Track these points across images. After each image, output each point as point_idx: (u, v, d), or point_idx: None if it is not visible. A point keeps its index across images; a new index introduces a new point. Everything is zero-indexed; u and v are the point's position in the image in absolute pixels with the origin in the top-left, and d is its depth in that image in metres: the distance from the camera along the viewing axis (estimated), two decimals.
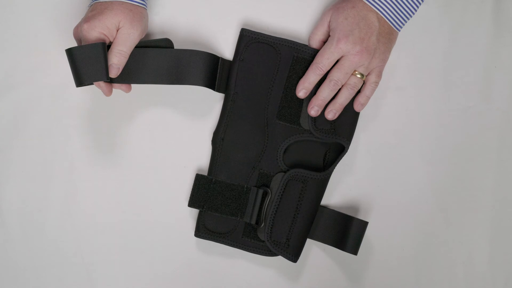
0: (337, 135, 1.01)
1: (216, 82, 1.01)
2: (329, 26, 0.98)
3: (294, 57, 1.01)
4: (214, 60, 1.01)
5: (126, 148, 1.05)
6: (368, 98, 1.00)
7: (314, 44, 1.00)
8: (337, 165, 1.03)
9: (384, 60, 0.98)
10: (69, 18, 1.02)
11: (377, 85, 0.99)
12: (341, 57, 0.96)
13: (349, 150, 1.04)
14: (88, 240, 1.06)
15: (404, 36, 1.04)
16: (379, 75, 0.99)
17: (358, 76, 0.97)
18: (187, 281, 1.06)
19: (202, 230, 1.03)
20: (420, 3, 0.97)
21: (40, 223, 1.05)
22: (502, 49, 1.07)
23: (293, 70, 1.01)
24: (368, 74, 0.99)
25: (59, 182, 1.05)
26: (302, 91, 0.99)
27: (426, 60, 1.06)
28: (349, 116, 1.02)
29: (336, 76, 0.97)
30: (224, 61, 1.02)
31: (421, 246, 1.07)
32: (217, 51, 1.04)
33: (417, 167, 1.07)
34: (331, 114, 0.99)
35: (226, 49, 1.05)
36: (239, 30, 1.04)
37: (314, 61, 0.98)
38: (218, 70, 1.01)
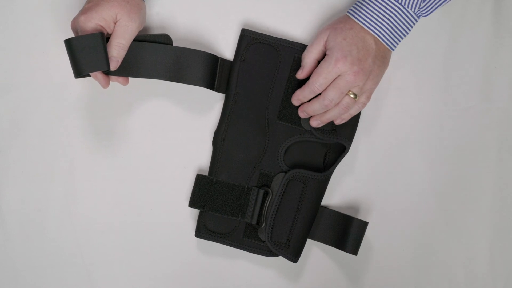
0: (338, 135, 1.01)
1: (216, 82, 1.01)
2: (325, 46, 0.97)
3: (295, 57, 1.01)
4: (213, 60, 1.00)
5: (127, 148, 1.05)
6: (351, 116, 0.99)
7: (309, 62, 0.98)
8: (338, 165, 1.03)
9: (376, 83, 0.97)
10: (69, 18, 1.01)
11: (364, 106, 0.98)
12: (337, 76, 0.95)
13: (349, 151, 1.03)
14: (88, 240, 1.05)
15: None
16: (369, 97, 0.98)
17: (352, 96, 0.96)
18: (187, 281, 1.06)
19: (203, 230, 1.03)
20: (414, 23, 0.96)
21: (40, 223, 1.05)
22: (502, 49, 1.07)
23: (294, 70, 1.01)
24: None
25: (59, 182, 1.05)
26: (296, 101, 0.99)
27: (426, 60, 1.06)
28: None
29: (331, 95, 0.95)
30: (224, 61, 1.02)
31: (421, 246, 1.07)
32: (217, 51, 1.04)
33: (417, 167, 1.07)
34: (316, 123, 0.99)
35: (226, 49, 1.04)
36: (239, 30, 1.04)
37: (311, 80, 0.96)
38: (218, 70, 1.01)
